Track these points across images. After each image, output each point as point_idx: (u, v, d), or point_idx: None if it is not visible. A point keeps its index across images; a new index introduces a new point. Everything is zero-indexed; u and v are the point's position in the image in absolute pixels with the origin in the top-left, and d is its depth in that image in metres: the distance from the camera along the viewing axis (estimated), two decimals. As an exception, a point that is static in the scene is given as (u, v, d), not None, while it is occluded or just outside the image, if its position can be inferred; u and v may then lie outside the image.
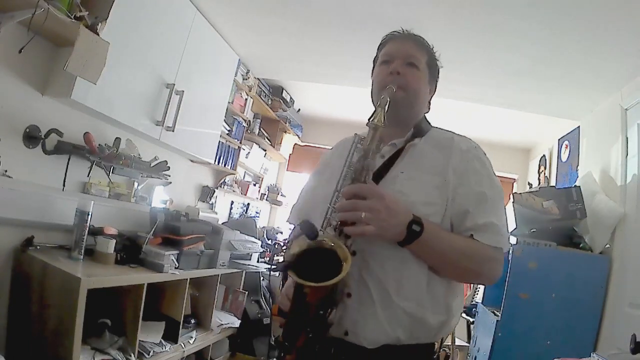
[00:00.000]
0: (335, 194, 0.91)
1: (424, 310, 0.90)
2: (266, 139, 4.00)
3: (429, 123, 1.09)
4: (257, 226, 3.55)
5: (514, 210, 2.54)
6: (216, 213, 3.45)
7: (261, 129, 3.92)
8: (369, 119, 0.92)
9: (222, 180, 3.47)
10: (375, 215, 0.83)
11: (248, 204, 4.20)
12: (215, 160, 3.02)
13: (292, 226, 1.24)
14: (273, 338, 2.94)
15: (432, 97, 1.12)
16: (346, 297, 0.89)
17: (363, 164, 0.90)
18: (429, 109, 1.11)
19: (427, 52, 1.07)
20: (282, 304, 0.95)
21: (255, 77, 3.48)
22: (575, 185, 2.53)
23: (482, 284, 0.93)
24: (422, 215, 0.88)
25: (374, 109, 0.96)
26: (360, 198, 0.85)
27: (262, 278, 3.20)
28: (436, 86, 1.13)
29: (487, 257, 0.92)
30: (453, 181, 0.94)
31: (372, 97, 1.09)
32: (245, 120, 3.49)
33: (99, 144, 1.97)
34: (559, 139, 3.41)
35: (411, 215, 0.86)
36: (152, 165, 2.33)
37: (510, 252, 2.34)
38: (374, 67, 1.12)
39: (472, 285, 3.44)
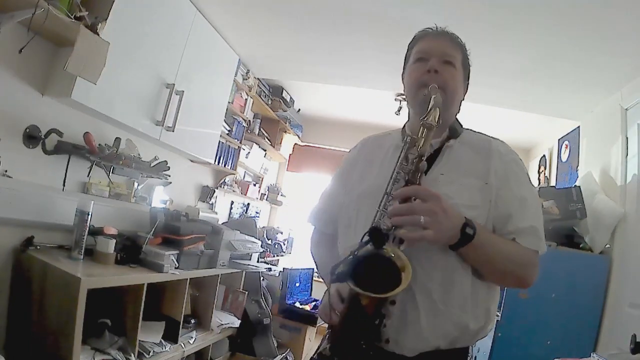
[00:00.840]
0: (384, 196, 0.89)
1: (467, 316, 0.89)
2: (266, 139, 4.00)
3: (461, 124, 1.06)
4: (257, 226, 3.54)
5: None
6: (216, 213, 3.45)
7: (261, 129, 3.91)
8: (421, 118, 0.87)
9: (222, 180, 3.46)
10: (433, 219, 0.80)
11: (248, 204, 4.19)
12: (215, 160, 3.02)
13: (313, 227, 1.22)
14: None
15: (464, 97, 1.08)
16: (389, 304, 0.85)
17: (417, 166, 0.85)
18: (459, 109, 1.08)
19: (461, 51, 1.03)
20: (323, 313, 0.92)
21: (255, 77, 3.47)
22: (575, 185, 2.53)
23: (521, 287, 0.93)
24: None
25: (420, 108, 0.92)
26: (413, 200, 0.82)
27: (262, 278, 3.20)
28: (467, 87, 1.08)
29: (529, 260, 0.92)
30: (495, 184, 0.93)
31: (406, 97, 1.05)
32: (245, 120, 3.48)
33: (99, 144, 1.97)
34: (559, 139, 3.41)
35: (463, 218, 0.84)
36: (152, 165, 2.32)
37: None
38: (404, 66, 1.08)
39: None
